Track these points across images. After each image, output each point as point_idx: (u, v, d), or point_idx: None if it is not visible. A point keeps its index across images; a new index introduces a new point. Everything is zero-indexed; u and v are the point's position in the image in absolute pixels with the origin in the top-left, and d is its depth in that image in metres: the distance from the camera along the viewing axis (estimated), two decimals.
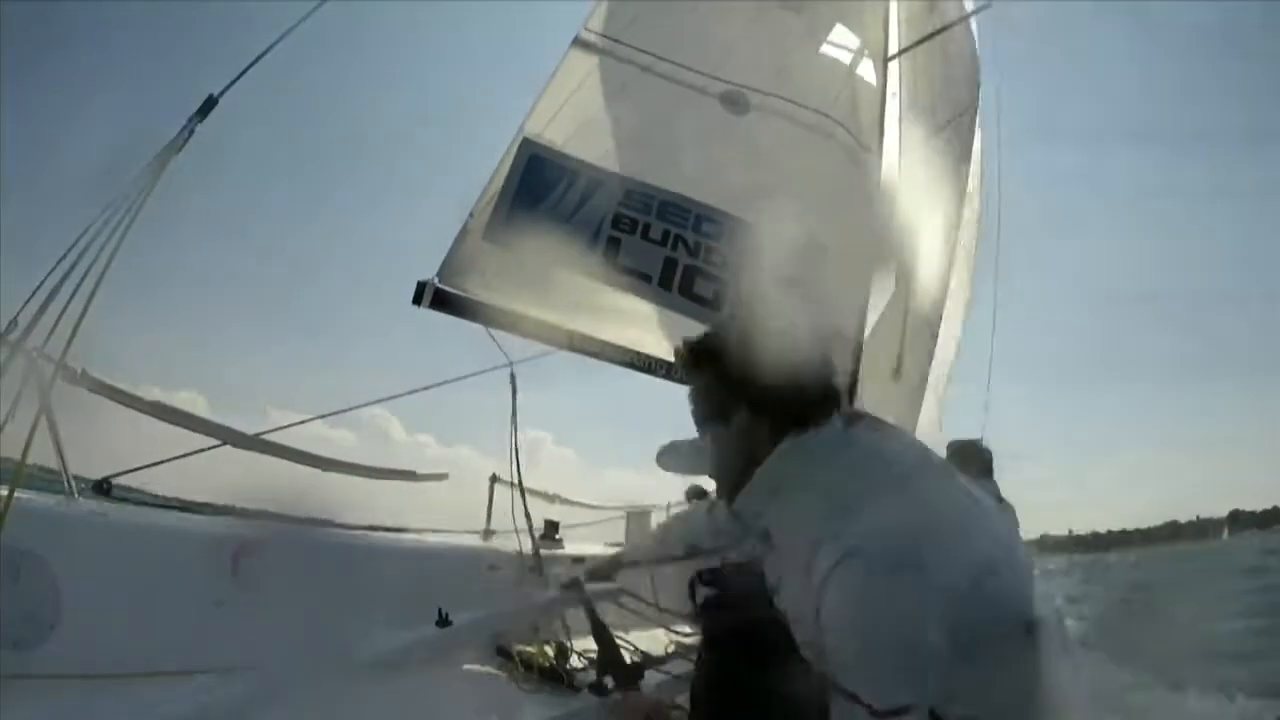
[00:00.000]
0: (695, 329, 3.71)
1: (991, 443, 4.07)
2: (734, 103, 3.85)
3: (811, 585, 0.95)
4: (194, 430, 2.16)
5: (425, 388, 3.17)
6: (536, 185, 3.39)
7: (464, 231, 3.27)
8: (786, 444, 1.06)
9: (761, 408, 1.08)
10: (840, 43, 4.31)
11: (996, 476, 3.73)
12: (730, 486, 1.15)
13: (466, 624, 1.96)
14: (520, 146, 3.40)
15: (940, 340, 5.20)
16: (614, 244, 3.41)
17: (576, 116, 3.52)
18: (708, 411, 1.16)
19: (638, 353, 3.44)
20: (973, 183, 5.47)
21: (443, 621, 2.00)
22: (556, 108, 3.49)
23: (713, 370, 1.15)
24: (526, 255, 3.24)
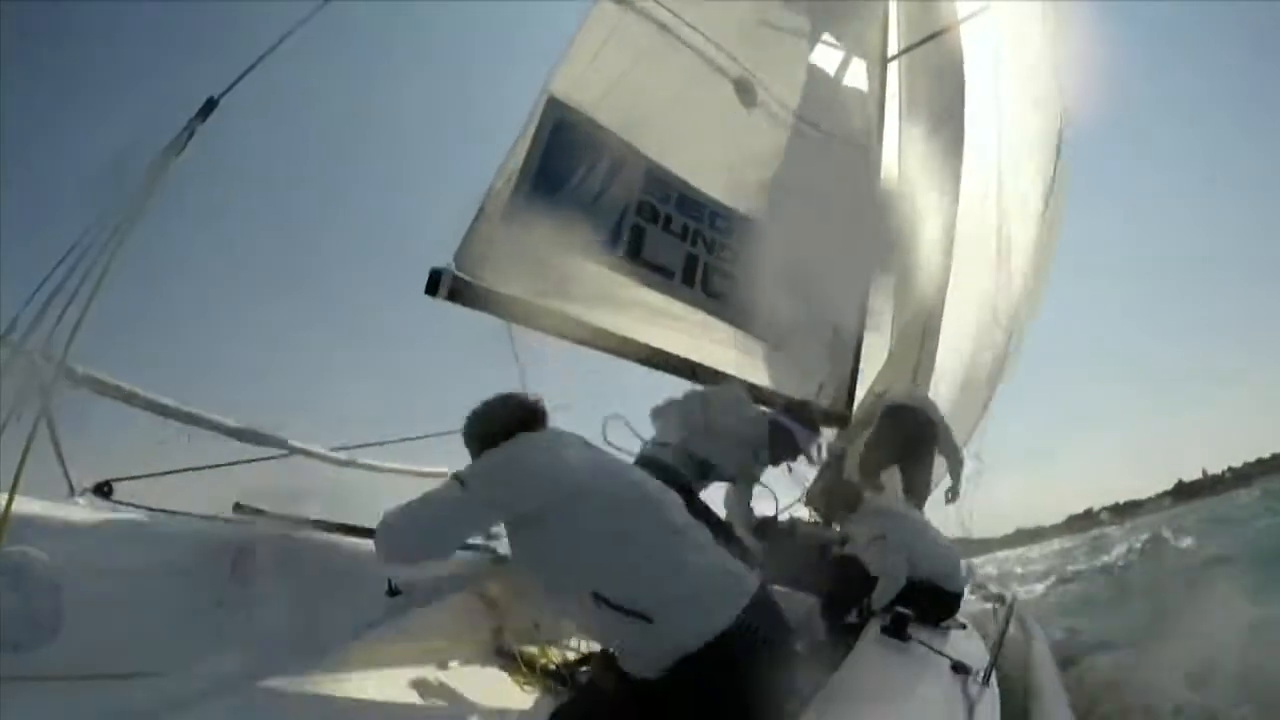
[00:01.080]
0: (712, 325, 3.62)
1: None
2: (745, 91, 3.77)
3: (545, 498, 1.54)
4: (199, 426, 2.16)
5: (441, 433, 2.95)
6: (561, 159, 3.09)
7: (482, 212, 2.91)
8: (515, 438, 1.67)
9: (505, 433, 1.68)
10: (838, 44, 4.32)
11: None
12: None
13: (412, 592, 2.01)
14: (546, 107, 3.06)
15: (961, 354, 5.17)
16: (638, 233, 3.25)
17: (600, 80, 3.24)
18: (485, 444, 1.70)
19: (666, 353, 3.30)
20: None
21: (392, 591, 2.04)
22: (581, 67, 3.20)
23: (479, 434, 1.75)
24: (548, 241, 2.96)
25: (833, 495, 3.38)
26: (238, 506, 1.93)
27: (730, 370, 3.56)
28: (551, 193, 3.03)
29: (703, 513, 2.84)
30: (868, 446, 4.08)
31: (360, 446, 2.69)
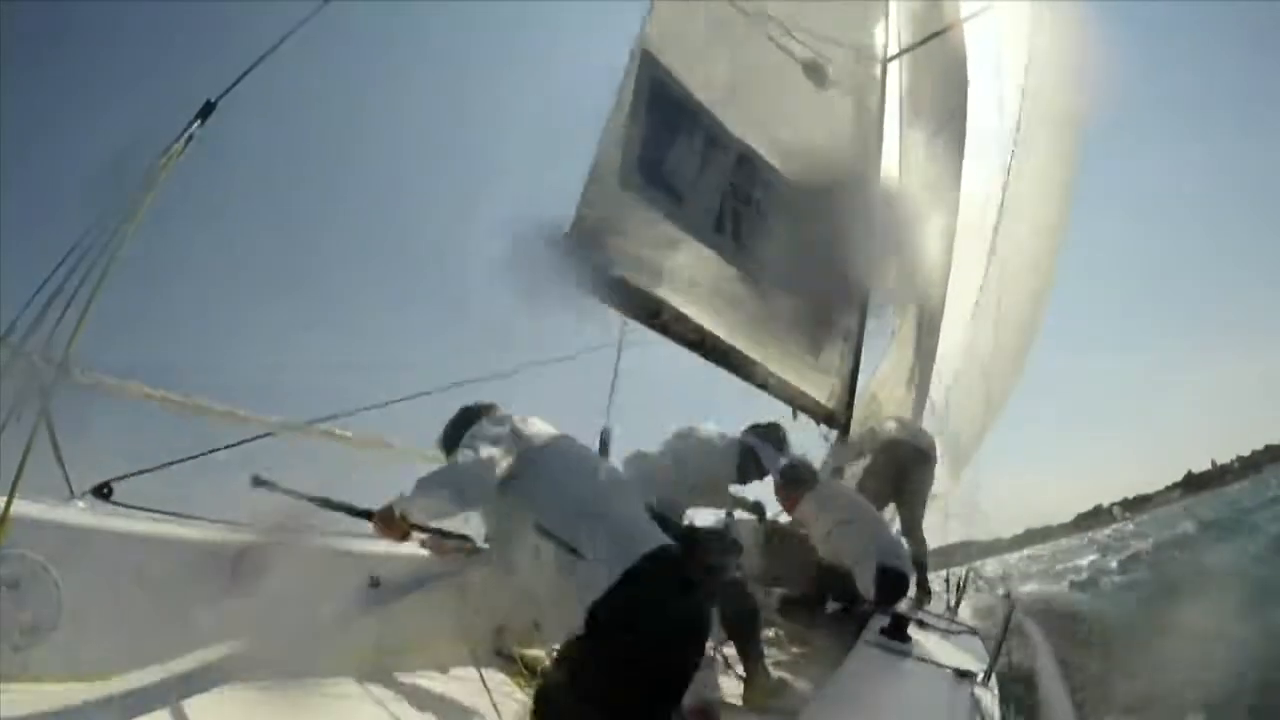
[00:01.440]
0: (761, 316, 3.35)
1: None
2: (816, 71, 3.66)
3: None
4: (208, 416, 2.16)
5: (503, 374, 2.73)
6: (663, 123, 2.81)
7: (596, 169, 2.58)
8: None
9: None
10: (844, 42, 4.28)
11: None
12: None
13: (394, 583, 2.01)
14: (642, 62, 2.78)
15: (961, 354, 5.17)
16: (736, 218, 3.07)
17: (684, 48, 2.98)
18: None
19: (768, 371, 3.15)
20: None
21: (374, 583, 2.06)
22: (668, 27, 2.93)
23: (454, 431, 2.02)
24: (659, 220, 2.68)
25: (790, 470, 3.40)
26: (256, 480, 1.95)
27: (792, 379, 3.50)
28: (657, 167, 2.80)
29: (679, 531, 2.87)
30: (866, 474, 4.14)
31: (328, 419, 2.67)
